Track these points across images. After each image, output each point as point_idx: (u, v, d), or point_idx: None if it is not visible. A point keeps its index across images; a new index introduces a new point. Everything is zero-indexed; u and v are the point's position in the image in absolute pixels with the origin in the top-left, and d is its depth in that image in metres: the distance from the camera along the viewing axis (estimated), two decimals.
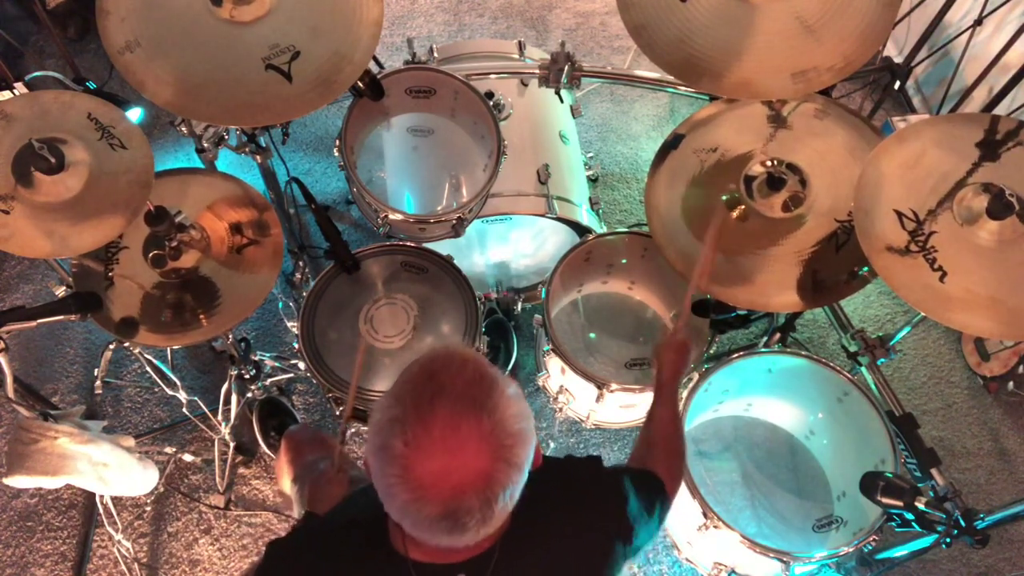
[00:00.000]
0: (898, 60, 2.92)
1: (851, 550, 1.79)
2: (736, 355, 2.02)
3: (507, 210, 2.15)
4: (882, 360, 2.06)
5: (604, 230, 2.21)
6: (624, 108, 3.16)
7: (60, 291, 1.81)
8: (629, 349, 2.34)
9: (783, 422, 2.36)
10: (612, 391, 2.00)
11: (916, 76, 3.04)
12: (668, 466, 1.36)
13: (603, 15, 3.41)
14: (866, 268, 1.69)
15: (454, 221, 2.02)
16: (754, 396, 2.29)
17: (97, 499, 2.18)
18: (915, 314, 2.02)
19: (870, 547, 1.80)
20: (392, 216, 2.00)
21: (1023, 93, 2.52)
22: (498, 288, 2.53)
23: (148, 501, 2.37)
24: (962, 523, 1.68)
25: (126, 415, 2.50)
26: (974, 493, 2.44)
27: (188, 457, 2.40)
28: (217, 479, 2.36)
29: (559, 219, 2.21)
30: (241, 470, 2.42)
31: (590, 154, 2.88)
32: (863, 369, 2.07)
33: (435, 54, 2.41)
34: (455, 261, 2.01)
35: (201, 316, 1.73)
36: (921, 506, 1.64)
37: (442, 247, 2.03)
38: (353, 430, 2.44)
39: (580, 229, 2.24)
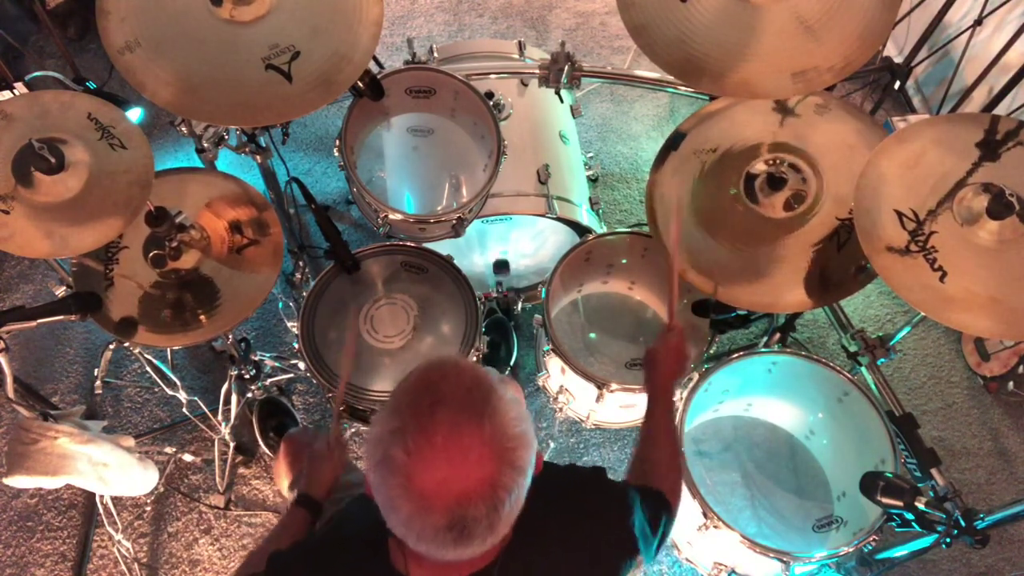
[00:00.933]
0: (898, 60, 2.93)
1: (851, 550, 1.79)
2: (736, 355, 2.02)
3: (507, 210, 2.15)
4: (882, 360, 2.07)
5: (604, 230, 2.21)
6: (624, 108, 3.16)
7: (60, 291, 1.81)
8: (629, 349, 2.34)
9: (783, 422, 2.36)
10: (612, 391, 2.00)
11: (916, 76, 3.04)
12: (671, 483, 1.34)
13: (603, 15, 3.41)
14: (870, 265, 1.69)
15: (454, 221, 2.02)
16: (754, 396, 2.29)
17: (97, 499, 2.18)
18: (915, 314, 2.02)
19: (870, 547, 1.80)
20: (392, 216, 2.00)
21: (1023, 93, 2.52)
22: (498, 288, 2.53)
23: (148, 501, 2.37)
24: (962, 523, 1.68)
25: (126, 415, 2.50)
26: (974, 493, 2.44)
27: (188, 457, 2.40)
28: (217, 479, 2.36)
29: (559, 219, 2.21)
30: (241, 470, 2.42)
31: (590, 154, 2.88)
32: (863, 369, 2.07)
33: (435, 54, 2.42)
34: (455, 261, 2.01)
35: (201, 316, 1.73)
36: (921, 506, 1.64)
37: (442, 247, 2.03)
38: (353, 429, 2.44)
39: (580, 229, 2.24)
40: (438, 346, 1.92)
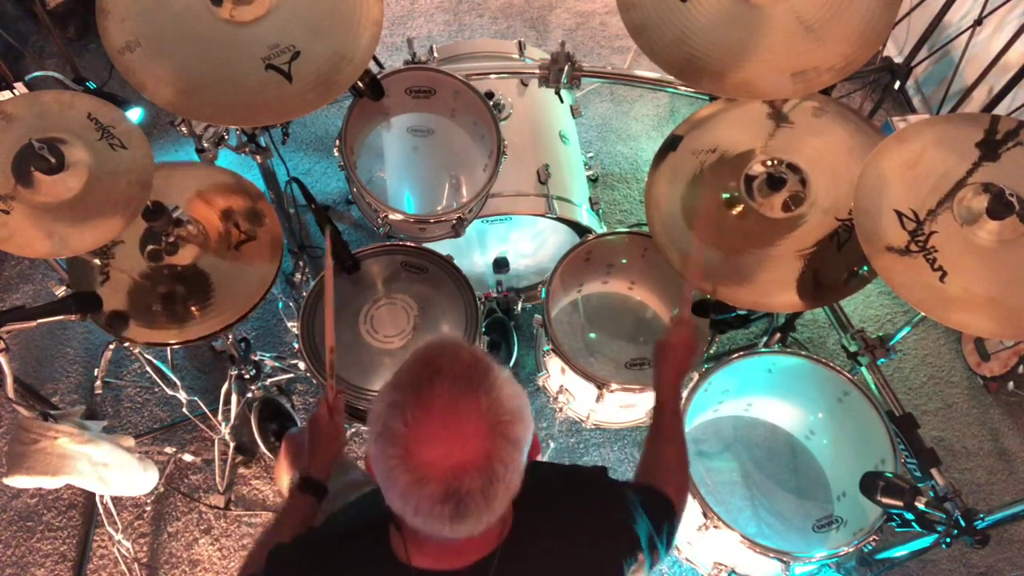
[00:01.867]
0: (898, 60, 2.93)
1: (851, 550, 1.79)
2: (736, 355, 2.02)
3: (507, 210, 2.15)
4: (882, 360, 2.07)
5: (604, 230, 2.21)
6: (624, 108, 3.16)
7: (60, 291, 1.81)
8: (629, 349, 2.33)
9: (783, 422, 2.36)
10: (612, 391, 2.00)
11: (916, 76, 3.04)
12: (678, 482, 1.34)
13: (603, 15, 3.41)
14: (866, 268, 1.69)
15: (454, 221, 2.02)
16: (754, 396, 2.29)
17: (97, 499, 2.18)
18: (915, 314, 2.02)
19: (870, 547, 1.80)
20: (392, 216, 2.00)
21: (1023, 93, 2.52)
22: (498, 288, 2.53)
23: (148, 501, 2.37)
24: (962, 523, 1.68)
25: (126, 415, 2.50)
26: (974, 493, 2.44)
27: (188, 457, 2.40)
28: (217, 479, 2.36)
29: (559, 219, 2.21)
30: (241, 470, 2.42)
31: (590, 154, 2.88)
32: (863, 369, 2.08)
33: (435, 54, 2.41)
34: (455, 261, 2.01)
35: (194, 310, 1.73)
36: (921, 506, 1.64)
37: (442, 247, 2.03)
38: (353, 430, 2.44)
39: (580, 229, 2.24)
40: None
